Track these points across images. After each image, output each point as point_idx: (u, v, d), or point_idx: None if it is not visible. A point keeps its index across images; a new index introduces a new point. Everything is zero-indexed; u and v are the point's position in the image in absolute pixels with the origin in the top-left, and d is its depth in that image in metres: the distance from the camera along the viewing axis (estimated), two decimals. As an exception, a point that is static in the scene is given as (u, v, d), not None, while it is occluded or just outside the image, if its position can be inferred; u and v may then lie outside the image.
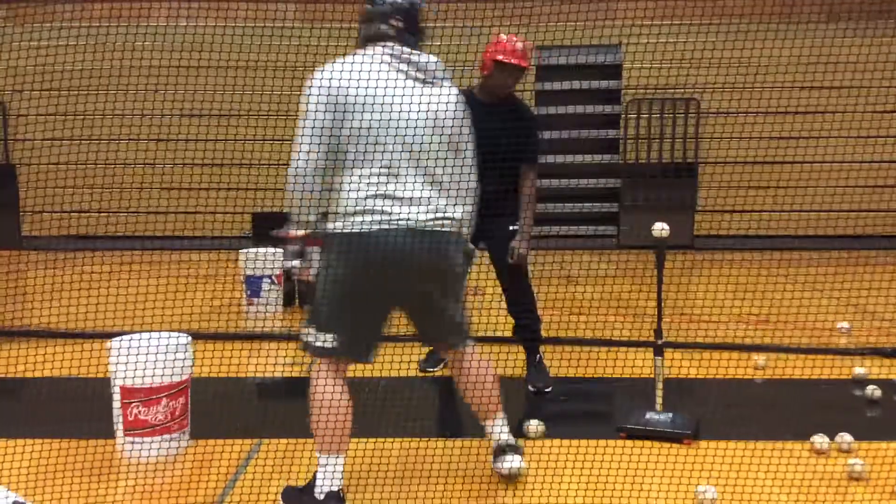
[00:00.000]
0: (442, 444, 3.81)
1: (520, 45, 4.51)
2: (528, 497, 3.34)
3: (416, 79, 3.14)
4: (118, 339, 3.79)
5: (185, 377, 3.81)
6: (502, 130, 4.48)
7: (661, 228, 4.01)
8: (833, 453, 3.77)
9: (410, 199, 3.06)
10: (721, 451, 3.54)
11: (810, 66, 7.72)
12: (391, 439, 3.90)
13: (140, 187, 10.26)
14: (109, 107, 9.80)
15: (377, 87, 3.00)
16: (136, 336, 3.82)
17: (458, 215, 3.21)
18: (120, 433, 3.75)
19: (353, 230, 3.04)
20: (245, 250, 6.86)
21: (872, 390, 4.58)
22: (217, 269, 7.59)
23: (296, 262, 3.26)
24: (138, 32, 9.28)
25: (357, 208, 3.04)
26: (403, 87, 3.06)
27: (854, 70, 8.66)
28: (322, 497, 3.10)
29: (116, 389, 3.70)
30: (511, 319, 4.93)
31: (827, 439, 3.80)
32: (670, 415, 4.02)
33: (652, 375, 4.17)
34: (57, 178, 7.99)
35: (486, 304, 5.64)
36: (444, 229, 3.15)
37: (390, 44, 3.14)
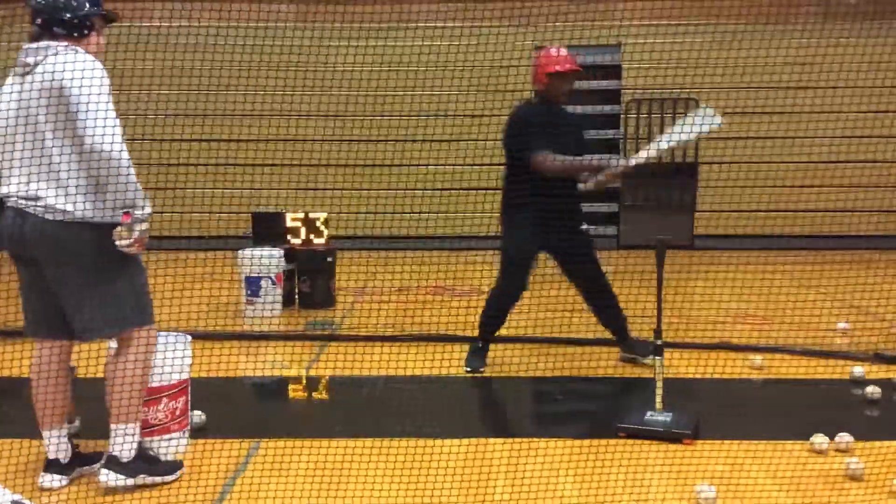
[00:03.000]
0: (441, 444, 3.81)
1: (564, 51, 4.91)
2: (528, 497, 3.34)
3: (16, 73, 3.33)
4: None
5: (184, 377, 3.81)
6: (574, 128, 5.07)
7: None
8: (832, 453, 3.78)
9: (16, 186, 3.26)
10: (720, 451, 3.54)
11: (810, 66, 7.72)
12: (391, 439, 3.90)
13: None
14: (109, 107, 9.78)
15: None
16: (136, 336, 3.82)
17: (54, 201, 3.22)
18: (120, 433, 3.75)
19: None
20: (244, 250, 6.86)
21: (872, 390, 4.59)
22: (216, 269, 7.59)
23: None
24: (140, 33, 9.27)
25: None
26: (6, 87, 3.32)
27: (853, 70, 8.66)
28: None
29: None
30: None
31: (826, 439, 3.80)
32: (670, 414, 4.02)
33: (652, 375, 4.17)
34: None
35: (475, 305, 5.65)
36: (44, 214, 3.23)
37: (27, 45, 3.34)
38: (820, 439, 3.80)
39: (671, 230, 10.48)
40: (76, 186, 3.23)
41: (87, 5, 3.38)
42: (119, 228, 3.25)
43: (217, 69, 7.18)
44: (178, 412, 3.78)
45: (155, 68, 7.79)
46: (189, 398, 3.88)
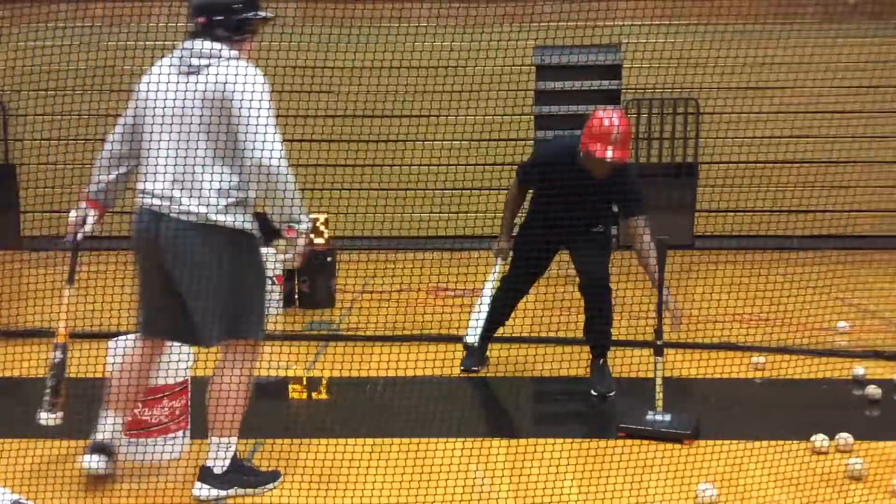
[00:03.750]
0: (443, 444, 3.81)
1: (615, 130, 4.31)
2: (528, 497, 3.34)
3: (180, 71, 3.27)
4: (117, 339, 3.79)
5: (185, 377, 3.81)
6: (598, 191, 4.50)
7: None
8: (832, 453, 3.78)
9: (153, 185, 3.27)
10: (721, 451, 3.54)
11: (810, 66, 7.72)
12: (391, 439, 3.90)
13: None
14: (109, 107, 9.79)
15: (148, 86, 3.32)
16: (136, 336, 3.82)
17: (197, 207, 3.21)
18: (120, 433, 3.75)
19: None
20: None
21: (872, 390, 4.59)
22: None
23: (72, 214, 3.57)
24: (139, 32, 9.28)
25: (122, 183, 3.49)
26: (164, 83, 3.25)
27: (853, 70, 8.65)
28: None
29: (116, 389, 3.70)
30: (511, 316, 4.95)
31: (826, 439, 3.80)
32: (670, 415, 4.02)
33: (652, 375, 4.17)
34: (57, 178, 7.98)
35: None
36: (179, 216, 3.22)
37: (182, 44, 3.33)
38: (821, 439, 3.80)
39: (671, 230, 10.48)
40: (218, 192, 3.20)
41: (251, 9, 3.34)
42: (281, 242, 3.26)
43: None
44: (178, 412, 3.78)
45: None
46: (189, 398, 3.87)
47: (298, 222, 3.25)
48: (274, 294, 6.76)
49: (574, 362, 5.14)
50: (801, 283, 7.37)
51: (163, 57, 3.38)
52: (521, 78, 9.52)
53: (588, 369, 4.85)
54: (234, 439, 3.37)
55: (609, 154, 4.32)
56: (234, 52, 3.26)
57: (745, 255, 9.20)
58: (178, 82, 3.22)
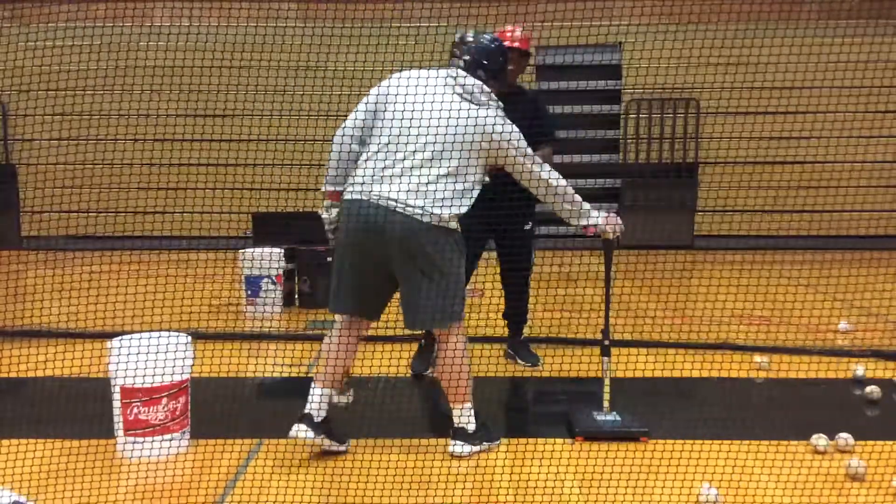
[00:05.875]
0: (443, 444, 3.81)
1: (518, 31, 4.87)
2: (529, 497, 3.34)
3: (461, 97, 3.70)
4: (118, 339, 3.79)
5: (185, 377, 3.81)
6: (512, 116, 4.56)
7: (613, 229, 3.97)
8: (833, 453, 3.78)
9: (391, 181, 3.61)
10: (721, 451, 3.54)
11: (810, 66, 7.73)
12: (391, 439, 3.90)
13: (140, 187, 10.25)
14: (109, 107, 9.80)
15: (412, 95, 3.64)
16: (136, 336, 3.82)
17: (434, 209, 3.60)
18: (120, 433, 3.75)
19: (345, 196, 3.71)
20: (245, 250, 6.86)
21: (872, 390, 4.59)
22: (217, 269, 7.60)
23: (324, 215, 3.84)
24: (141, 32, 9.29)
25: (355, 178, 3.69)
26: (438, 95, 3.65)
27: (854, 70, 8.64)
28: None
29: (116, 389, 3.70)
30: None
31: (827, 439, 3.80)
32: (618, 415, 4.03)
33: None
34: (57, 178, 7.98)
35: (486, 304, 5.65)
36: (413, 214, 3.58)
37: (455, 69, 3.80)
38: (821, 439, 3.80)
39: (671, 230, 10.49)
40: (451, 200, 3.63)
41: (504, 61, 3.91)
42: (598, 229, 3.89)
43: (217, 68, 7.18)
44: (178, 412, 3.78)
45: (153, 68, 7.79)
46: (189, 398, 3.88)
47: (589, 218, 3.84)
48: (275, 294, 6.77)
49: (574, 362, 5.15)
50: (801, 283, 7.39)
51: (425, 69, 3.80)
52: (521, 78, 9.52)
53: (511, 351, 5.29)
54: (469, 403, 3.81)
55: (515, 44, 4.80)
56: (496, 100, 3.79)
57: (745, 255, 9.21)
58: (460, 109, 3.65)
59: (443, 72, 3.78)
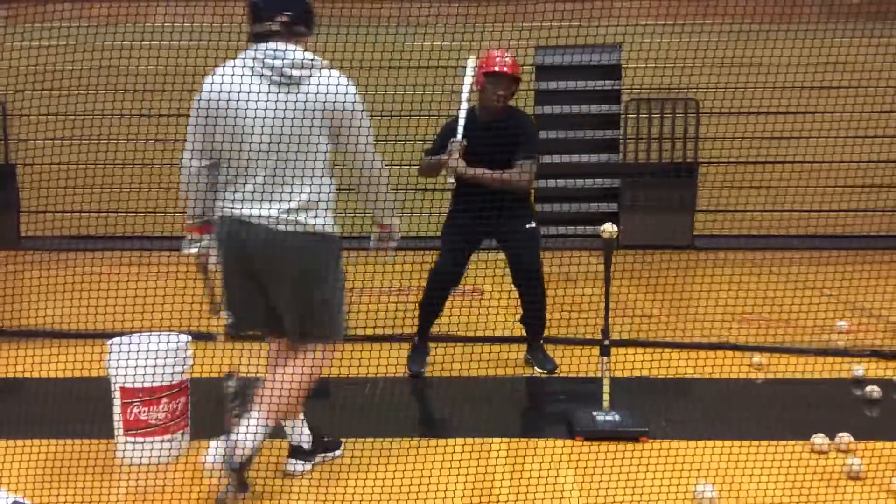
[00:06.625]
0: (443, 444, 3.81)
1: (507, 56, 4.78)
2: (528, 497, 3.34)
3: (271, 82, 3.21)
4: (118, 339, 3.79)
5: (184, 377, 3.81)
6: (500, 139, 4.70)
7: (608, 229, 3.99)
8: (832, 453, 3.78)
9: (242, 194, 3.25)
10: (721, 451, 3.54)
11: (810, 66, 7.73)
12: (391, 439, 3.90)
13: (140, 187, 10.25)
14: (109, 107, 9.79)
15: (230, 94, 3.18)
16: (136, 336, 3.82)
17: (297, 217, 3.25)
18: (120, 433, 3.75)
19: (218, 214, 3.37)
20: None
21: (872, 390, 4.59)
22: (217, 269, 7.57)
23: (192, 250, 3.50)
24: (142, 32, 9.27)
25: (219, 196, 3.35)
26: (257, 93, 3.18)
27: (854, 70, 8.64)
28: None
29: (116, 390, 3.70)
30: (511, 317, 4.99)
31: (826, 439, 3.80)
32: (618, 414, 4.03)
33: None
34: (57, 178, 7.98)
35: (486, 304, 5.65)
36: (270, 225, 3.24)
37: (262, 46, 3.23)
38: (820, 439, 3.80)
39: (671, 230, 10.49)
40: (308, 199, 3.25)
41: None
42: (375, 238, 3.53)
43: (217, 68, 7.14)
44: (177, 412, 3.78)
45: (153, 68, 7.79)
46: (189, 398, 3.87)
47: (391, 220, 3.56)
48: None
49: (575, 362, 5.14)
50: (801, 283, 7.39)
51: (233, 60, 3.28)
52: (523, 77, 9.52)
53: (529, 356, 5.21)
54: (301, 417, 3.58)
55: (504, 69, 4.71)
56: (325, 62, 3.28)
57: (745, 255, 9.21)
58: (268, 93, 3.19)
59: (250, 54, 3.25)
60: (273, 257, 3.26)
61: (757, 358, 5.18)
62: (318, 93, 3.19)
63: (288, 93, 3.19)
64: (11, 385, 4.74)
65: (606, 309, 4.12)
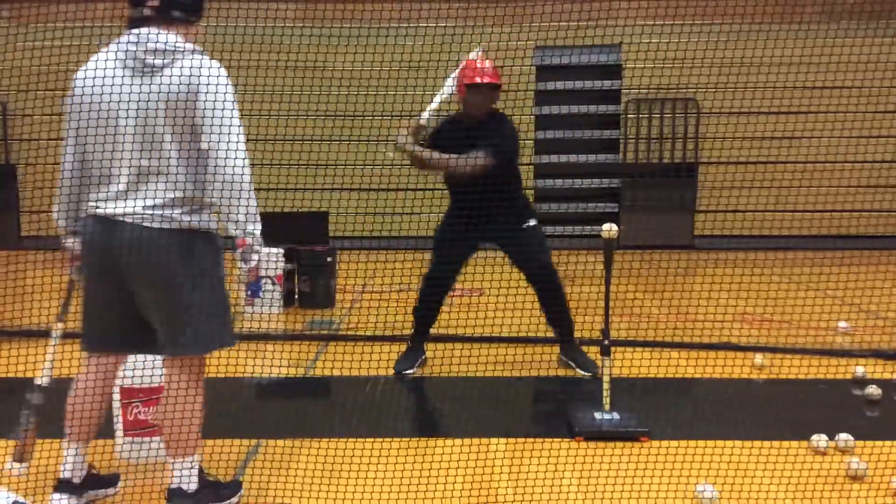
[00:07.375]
0: (443, 444, 3.81)
1: (487, 63, 4.77)
2: (528, 496, 3.34)
3: (134, 72, 2.99)
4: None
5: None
6: (478, 141, 4.68)
7: (609, 229, 3.99)
8: (833, 453, 3.78)
9: (109, 192, 3.04)
10: (721, 451, 3.54)
11: (810, 66, 7.73)
12: (391, 439, 3.90)
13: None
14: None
15: (94, 87, 3.00)
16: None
17: (165, 212, 3.01)
18: (120, 433, 3.75)
19: (83, 215, 3.15)
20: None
21: (872, 390, 4.59)
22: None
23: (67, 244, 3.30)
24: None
25: (83, 198, 3.14)
26: (120, 84, 2.99)
27: (854, 70, 8.64)
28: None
29: (116, 390, 3.70)
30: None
31: (826, 439, 3.80)
32: (618, 414, 4.03)
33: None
34: (56, 178, 7.99)
35: (486, 304, 5.65)
36: (135, 222, 3.00)
37: (134, 32, 3.02)
38: (821, 439, 3.80)
39: (671, 230, 10.49)
40: (183, 194, 3.01)
41: None
42: (236, 254, 3.07)
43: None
44: (178, 412, 3.77)
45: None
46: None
47: (253, 233, 3.05)
48: (274, 294, 6.77)
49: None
50: (801, 283, 7.39)
51: (104, 51, 3.08)
52: (521, 78, 9.52)
53: (565, 357, 5.08)
54: (194, 457, 3.17)
55: (485, 79, 4.70)
56: (194, 46, 3.04)
57: (746, 255, 9.21)
58: (132, 84, 2.98)
59: (118, 43, 3.05)
60: (139, 256, 3.00)
61: (758, 358, 5.18)
62: (170, 83, 2.96)
63: (150, 83, 2.97)
64: (11, 385, 4.73)
65: (606, 309, 4.12)
